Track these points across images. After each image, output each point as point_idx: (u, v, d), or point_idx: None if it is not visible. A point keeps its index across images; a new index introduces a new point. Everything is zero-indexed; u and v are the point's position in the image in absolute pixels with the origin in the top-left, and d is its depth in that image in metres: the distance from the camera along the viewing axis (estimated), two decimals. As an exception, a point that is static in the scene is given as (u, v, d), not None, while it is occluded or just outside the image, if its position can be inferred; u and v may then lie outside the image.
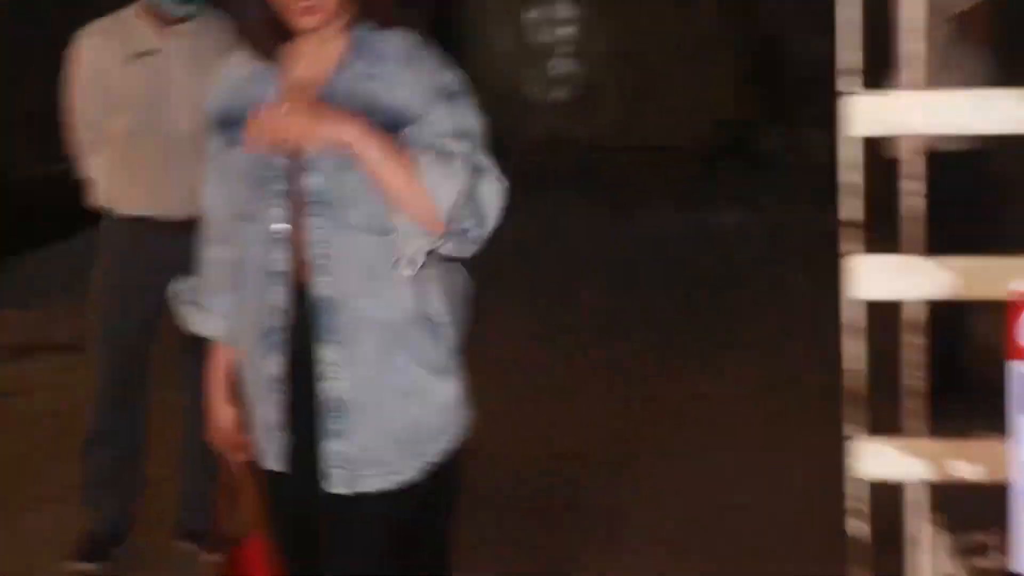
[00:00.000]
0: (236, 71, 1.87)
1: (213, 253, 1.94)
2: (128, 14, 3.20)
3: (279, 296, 1.79)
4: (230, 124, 1.84)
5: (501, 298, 5.53)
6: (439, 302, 1.82)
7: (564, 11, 12.59)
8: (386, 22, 1.81)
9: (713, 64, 11.69)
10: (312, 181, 1.75)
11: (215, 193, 1.90)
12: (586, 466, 4.02)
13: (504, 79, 11.90)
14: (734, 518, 3.58)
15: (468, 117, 1.79)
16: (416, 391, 1.82)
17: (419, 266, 1.73)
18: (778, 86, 10.83)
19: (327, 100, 1.75)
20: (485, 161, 1.77)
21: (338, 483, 1.80)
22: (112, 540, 3.27)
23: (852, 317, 1.49)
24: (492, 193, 1.75)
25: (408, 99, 1.75)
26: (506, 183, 1.77)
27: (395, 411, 1.81)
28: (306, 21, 1.74)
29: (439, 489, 1.86)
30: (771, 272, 6.96)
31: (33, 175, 6.99)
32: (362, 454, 1.80)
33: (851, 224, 1.48)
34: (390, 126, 1.73)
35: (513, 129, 11.25)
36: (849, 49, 1.45)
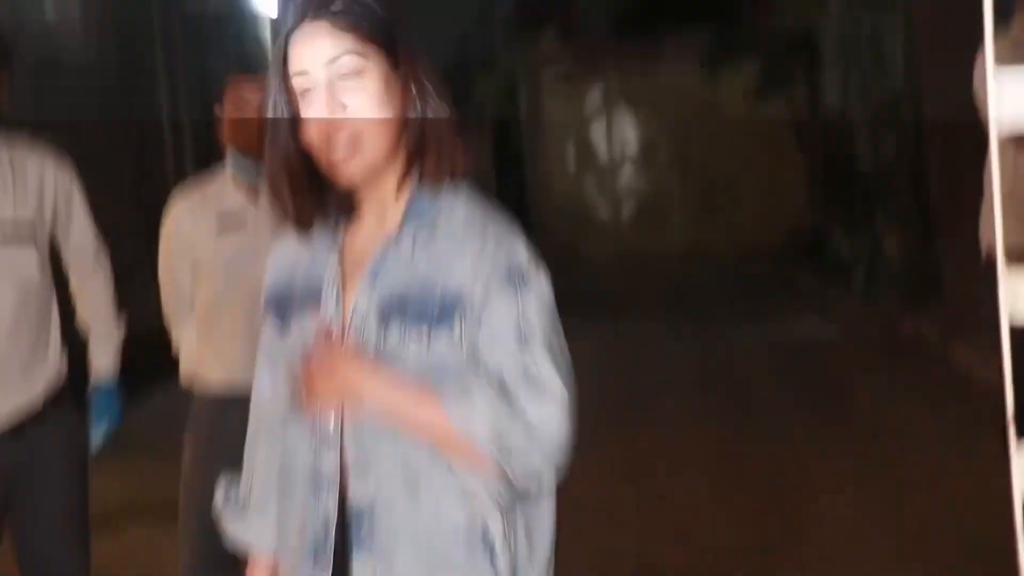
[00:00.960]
0: (292, 248, 1.72)
1: (262, 454, 1.83)
2: (222, 177, 3.15)
3: (331, 504, 1.62)
4: (282, 309, 1.71)
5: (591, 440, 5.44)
6: (500, 523, 1.62)
7: (627, 123, 13.07)
8: (442, 179, 1.63)
9: (781, 168, 12.14)
10: None
11: (265, 384, 1.79)
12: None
13: (569, 197, 12.46)
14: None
15: (531, 310, 1.60)
16: None
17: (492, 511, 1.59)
18: (849, 186, 11.06)
19: (374, 284, 1.61)
20: (549, 371, 1.56)
21: None
22: None
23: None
24: (548, 419, 1.54)
25: (466, 283, 1.58)
26: (566, 395, 1.57)
27: None
28: (350, 170, 1.55)
29: None
30: (841, 381, 6.95)
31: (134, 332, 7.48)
32: None
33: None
34: (447, 310, 1.58)
35: (580, 248, 11.97)
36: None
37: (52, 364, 2.97)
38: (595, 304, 8.51)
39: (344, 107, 1.53)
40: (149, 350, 3.92)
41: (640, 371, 7.90)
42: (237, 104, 3.02)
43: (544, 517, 1.68)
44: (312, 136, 1.54)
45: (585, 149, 13.05)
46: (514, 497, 1.58)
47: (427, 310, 1.56)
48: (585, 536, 3.93)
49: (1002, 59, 1.47)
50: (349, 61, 1.54)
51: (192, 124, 10.79)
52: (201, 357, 3.18)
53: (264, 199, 2.99)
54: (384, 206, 1.62)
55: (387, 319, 1.58)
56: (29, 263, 2.80)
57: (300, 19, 1.57)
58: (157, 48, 10.69)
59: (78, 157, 3.16)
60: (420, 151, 1.60)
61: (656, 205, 12.91)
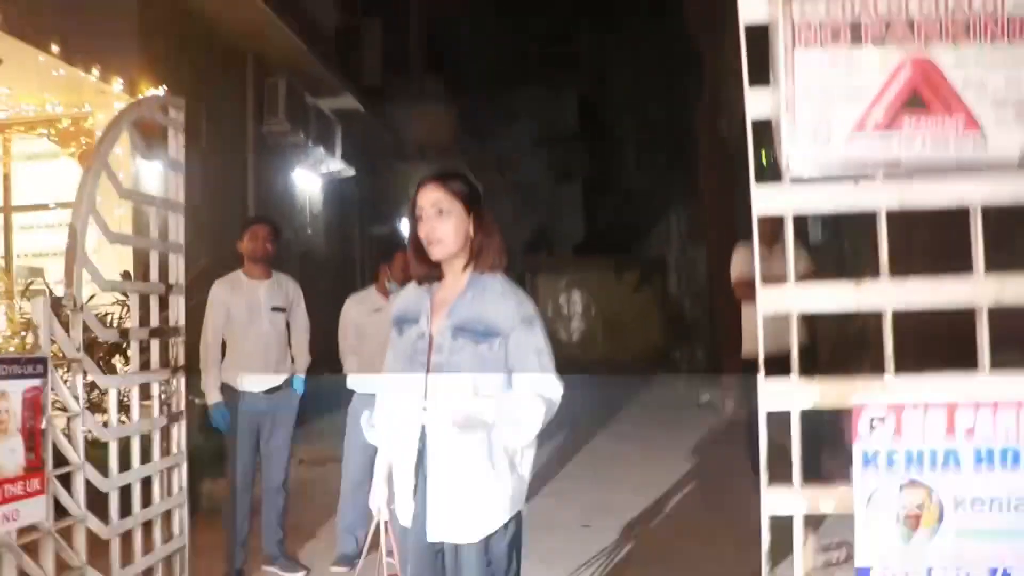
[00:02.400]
0: (409, 291, 2.78)
1: (383, 398, 2.77)
2: (371, 289, 5.34)
3: (416, 430, 2.55)
4: (401, 322, 2.70)
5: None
6: (512, 433, 2.54)
7: (576, 296, 23.19)
8: (491, 269, 2.62)
9: (649, 317, 21.35)
10: (436, 360, 2.60)
11: (390, 359, 2.75)
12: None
13: (548, 329, 22.01)
14: None
15: (540, 338, 2.55)
16: (485, 489, 2.52)
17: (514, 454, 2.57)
18: (679, 325, 18.62)
19: (450, 315, 2.55)
20: (550, 371, 2.52)
21: (433, 536, 2.53)
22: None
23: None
24: (556, 394, 2.57)
25: (501, 320, 2.52)
26: (561, 385, 2.59)
27: (469, 494, 2.50)
28: (435, 251, 2.61)
29: (505, 545, 2.55)
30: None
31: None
32: (447, 521, 2.54)
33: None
34: (488, 334, 2.50)
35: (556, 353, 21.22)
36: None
37: (287, 364, 5.17)
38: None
39: (436, 230, 2.59)
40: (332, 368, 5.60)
41: (579, 407, 8.70)
42: (401, 261, 5.20)
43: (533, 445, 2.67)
44: (422, 238, 2.60)
45: (556, 306, 23.00)
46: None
47: (477, 331, 2.49)
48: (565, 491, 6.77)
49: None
50: (444, 206, 2.60)
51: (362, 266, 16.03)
52: (358, 376, 5.20)
53: (389, 297, 5.19)
54: (456, 277, 2.64)
55: (456, 334, 2.54)
56: (283, 322, 5.14)
57: (425, 181, 2.66)
58: (356, 239, 16.65)
59: (313, 287, 5.39)
60: (479, 253, 2.59)
61: (588, 335, 22.76)
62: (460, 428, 2.54)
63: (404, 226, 15.91)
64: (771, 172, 2.29)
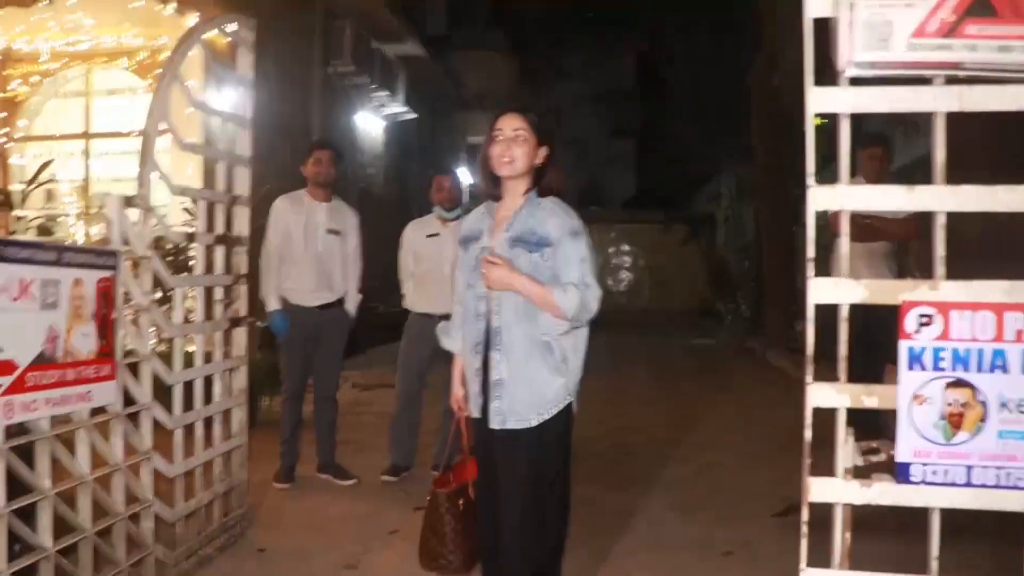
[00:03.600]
0: (473, 216, 2.99)
1: (456, 309, 2.98)
2: (431, 216, 5.38)
3: (482, 326, 2.79)
4: (467, 240, 2.93)
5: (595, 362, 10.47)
6: (562, 339, 2.75)
7: (624, 248, 23.20)
8: (547, 192, 2.84)
9: (695, 273, 21.27)
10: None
11: (459, 276, 2.95)
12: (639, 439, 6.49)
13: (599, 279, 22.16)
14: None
15: (584, 249, 2.72)
16: (540, 379, 2.73)
17: (558, 335, 2.70)
18: (725, 284, 18.27)
19: (509, 229, 2.76)
20: (591, 280, 2.68)
21: (495, 423, 2.77)
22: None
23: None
24: (595, 299, 2.70)
25: (551, 232, 2.73)
26: (600, 291, 2.72)
27: (527, 388, 2.73)
28: (505, 168, 2.78)
29: (556, 432, 2.76)
30: (716, 364, 11.75)
31: (381, 312, 10.62)
32: (508, 408, 2.76)
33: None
34: (541, 244, 2.71)
35: (601, 301, 21.16)
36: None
37: (339, 284, 5.24)
38: (605, 326, 11.68)
39: (510, 150, 2.78)
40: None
41: (626, 351, 13.08)
42: (438, 185, 5.28)
43: (583, 336, 2.79)
44: (493, 157, 2.79)
45: (606, 256, 23.06)
46: (572, 327, 2.70)
47: (531, 242, 2.71)
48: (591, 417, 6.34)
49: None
50: (521, 133, 2.79)
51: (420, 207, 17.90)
52: (414, 297, 5.31)
53: (447, 225, 5.27)
54: (516, 198, 2.82)
55: (513, 244, 2.75)
56: (338, 245, 5.18)
57: (510, 110, 2.83)
58: (414, 180, 16.85)
59: (370, 224, 5.31)
60: (540, 177, 2.81)
61: (635, 286, 22.93)
62: (516, 322, 2.72)
63: (463, 172, 16.05)
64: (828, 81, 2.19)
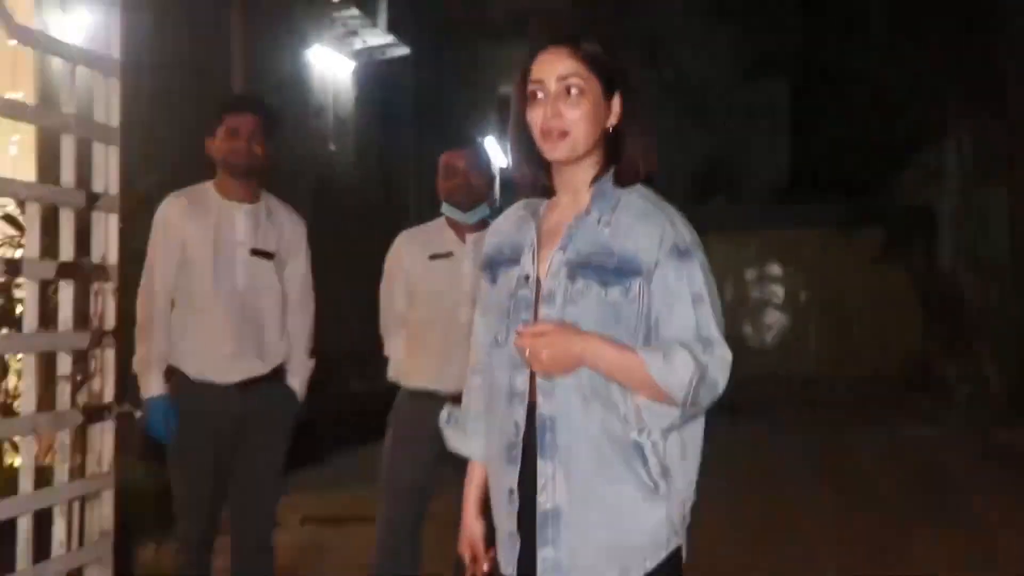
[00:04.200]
0: (504, 222, 3.10)
1: (474, 382, 3.12)
2: (437, 223, 5.40)
3: (520, 413, 2.84)
4: (495, 265, 3.04)
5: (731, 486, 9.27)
6: (662, 439, 2.83)
7: (775, 270, 23.07)
8: (634, 180, 2.94)
9: (902, 311, 20.82)
10: (546, 313, 2.87)
11: (480, 324, 3.11)
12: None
13: (728, 326, 21.91)
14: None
15: (697, 277, 2.82)
16: (625, 508, 2.81)
17: (657, 432, 2.80)
18: (956, 326, 17.87)
19: (567, 245, 2.87)
20: (715, 332, 2.78)
21: None
22: None
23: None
24: (721, 368, 2.77)
25: (639, 249, 2.81)
26: (731, 355, 2.81)
27: (601, 524, 2.81)
28: (558, 148, 2.90)
29: None
30: (945, 478, 11.51)
31: (352, 391, 11.57)
32: (569, 562, 2.82)
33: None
34: (624, 272, 2.82)
35: (734, 366, 20.97)
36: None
37: (276, 344, 5.24)
38: (743, 409, 11.62)
39: (561, 114, 2.84)
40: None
41: (779, 456, 12.88)
42: (448, 166, 5.32)
43: (697, 432, 2.88)
44: (535, 129, 2.85)
45: (739, 284, 22.78)
46: (682, 417, 2.76)
47: (606, 268, 2.79)
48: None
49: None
50: (576, 82, 2.85)
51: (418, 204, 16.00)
52: (406, 362, 5.39)
53: (467, 238, 5.31)
54: (577, 191, 2.93)
55: (576, 273, 2.83)
56: (272, 276, 5.18)
57: (549, 45, 2.89)
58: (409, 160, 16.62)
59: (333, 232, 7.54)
60: (622, 155, 2.90)
61: (793, 336, 22.55)
62: (580, 407, 2.80)
63: (491, 144, 16.44)
64: None
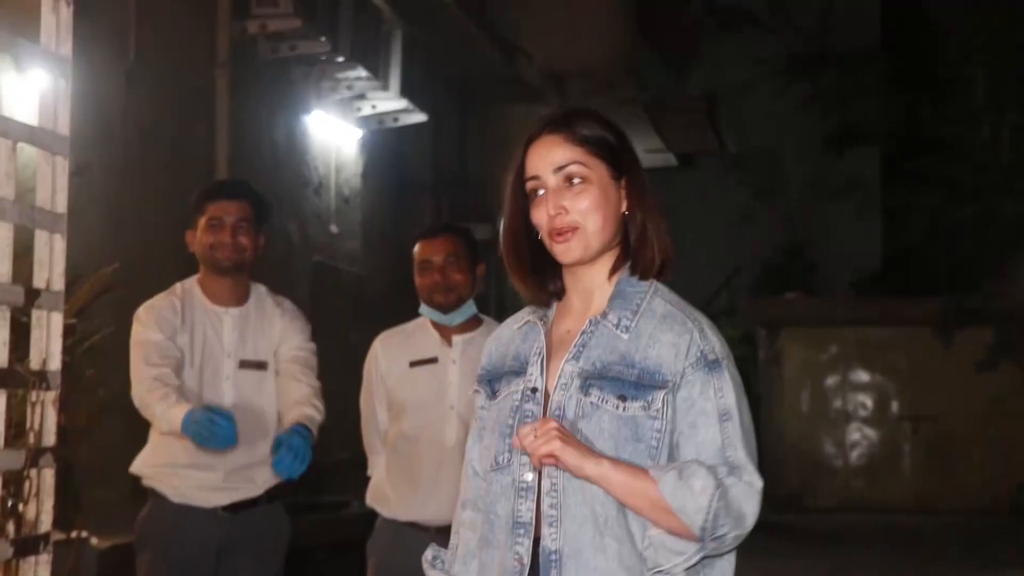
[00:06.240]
0: (506, 330, 3.19)
1: (465, 516, 3.15)
2: (419, 322, 5.49)
3: (525, 546, 2.89)
4: (496, 377, 3.13)
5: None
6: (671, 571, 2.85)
7: (861, 376, 22.93)
8: (650, 274, 3.03)
9: (1016, 423, 20.77)
10: None
11: (474, 449, 3.15)
12: None
13: (802, 441, 21.71)
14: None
15: (727, 392, 2.89)
16: None
17: (677, 572, 2.82)
18: None
19: (580, 353, 2.96)
20: (743, 457, 2.83)
21: None
22: None
23: None
24: (747, 497, 2.80)
25: (662, 360, 2.89)
26: (761, 482, 2.83)
27: None
28: (570, 249, 2.97)
29: None
30: None
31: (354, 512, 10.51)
32: None
33: None
34: (644, 385, 2.88)
35: (810, 490, 21.09)
36: None
37: (266, 466, 5.19)
38: (820, 543, 12.88)
39: (565, 210, 2.92)
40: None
41: None
42: (423, 257, 5.40)
43: (726, 570, 2.94)
44: (543, 232, 2.95)
45: (818, 394, 22.65)
46: (703, 554, 2.78)
47: (624, 381, 2.87)
48: None
49: None
50: (577, 171, 2.95)
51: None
52: (385, 486, 5.44)
53: (452, 339, 5.40)
54: (591, 292, 3.03)
55: (588, 384, 2.91)
56: (266, 391, 5.32)
57: (541, 130, 3.02)
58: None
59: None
60: (637, 248, 2.99)
61: (883, 457, 22.26)
62: (591, 542, 2.82)
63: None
64: None
